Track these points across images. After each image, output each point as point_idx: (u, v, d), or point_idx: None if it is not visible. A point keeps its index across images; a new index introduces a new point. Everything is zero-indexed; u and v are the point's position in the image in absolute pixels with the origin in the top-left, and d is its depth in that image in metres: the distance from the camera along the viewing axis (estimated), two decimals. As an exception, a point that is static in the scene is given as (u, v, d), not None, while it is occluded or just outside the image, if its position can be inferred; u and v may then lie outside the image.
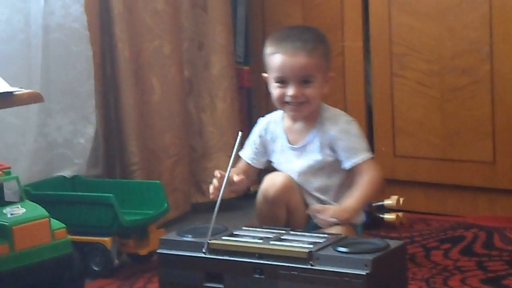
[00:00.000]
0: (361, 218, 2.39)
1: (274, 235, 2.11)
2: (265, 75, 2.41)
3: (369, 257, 1.92)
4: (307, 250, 1.98)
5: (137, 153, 2.88)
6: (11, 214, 2.17)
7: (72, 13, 2.69)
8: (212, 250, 2.08)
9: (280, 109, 2.41)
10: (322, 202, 2.36)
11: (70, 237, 2.24)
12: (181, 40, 3.08)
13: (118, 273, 2.49)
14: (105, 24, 2.85)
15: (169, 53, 2.99)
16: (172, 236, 2.18)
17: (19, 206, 2.21)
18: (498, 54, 2.75)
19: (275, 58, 2.34)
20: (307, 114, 2.37)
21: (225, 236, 2.13)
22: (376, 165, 2.35)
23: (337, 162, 2.36)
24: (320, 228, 2.31)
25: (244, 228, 2.20)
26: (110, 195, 2.47)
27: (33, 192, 2.50)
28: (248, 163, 2.46)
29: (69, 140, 2.74)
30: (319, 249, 1.98)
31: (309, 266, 1.96)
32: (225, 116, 3.16)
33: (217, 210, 2.09)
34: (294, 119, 2.40)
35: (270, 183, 2.34)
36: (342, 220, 2.24)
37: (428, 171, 2.90)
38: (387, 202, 2.79)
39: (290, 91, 2.33)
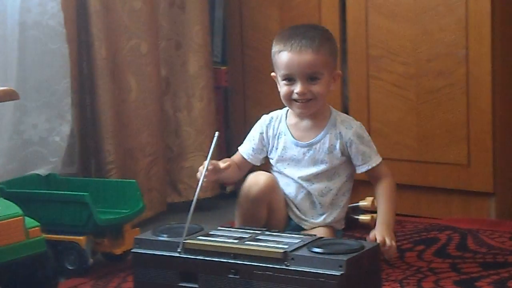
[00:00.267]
0: (342, 223, 2.44)
1: (250, 235, 2.12)
2: (273, 74, 2.42)
3: (344, 257, 1.93)
4: (282, 251, 1.98)
5: (113, 152, 2.87)
6: (-15, 212, 2.16)
7: (48, 10, 2.68)
8: (187, 250, 2.08)
9: (288, 107, 2.42)
10: (313, 203, 2.39)
11: (44, 235, 2.22)
12: (158, 39, 3.07)
13: (93, 272, 2.47)
14: (82, 22, 2.84)
15: (146, 52, 2.99)
16: (147, 235, 2.18)
17: (-7, 204, 2.20)
18: (474, 57, 2.76)
19: (282, 56, 2.36)
20: (314, 111, 2.38)
21: (201, 236, 2.12)
22: (387, 167, 2.43)
23: (341, 166, 2.39)
24: (302, 229, 2.35)
25: (219, 228, 2.20)
26: (85, 193, 2.46)
27: (7, 190, 2.48)
28: (244, 158, 2.47)
29: (44, 138, 2.72)
30: (294, 250, 1.99)
31: (284, 267, 1.97)
32: (202, 116, 3.15)
33: (193, 209, 2.09)
34: (302, 116, 2.41)
35: (253, 182, 2.35)
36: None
37: (403, 173, 2.91)
38: (362, 203, 2.79)
39: (297, 88, 2.34)
